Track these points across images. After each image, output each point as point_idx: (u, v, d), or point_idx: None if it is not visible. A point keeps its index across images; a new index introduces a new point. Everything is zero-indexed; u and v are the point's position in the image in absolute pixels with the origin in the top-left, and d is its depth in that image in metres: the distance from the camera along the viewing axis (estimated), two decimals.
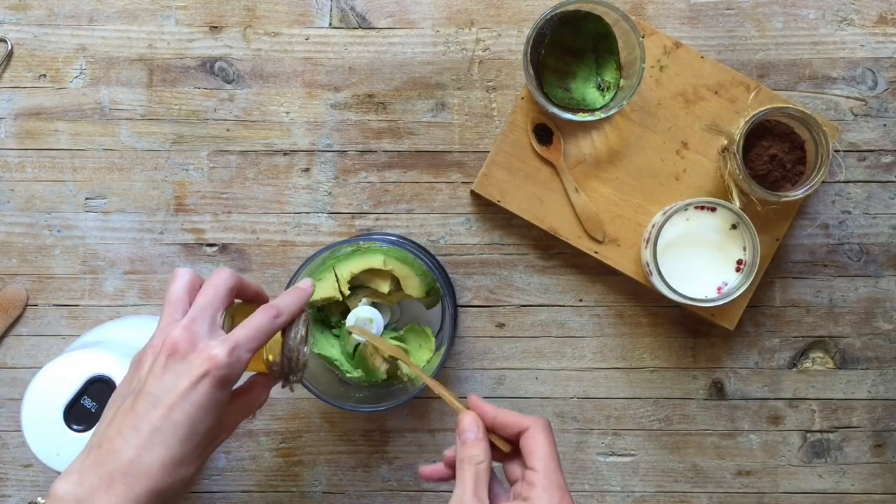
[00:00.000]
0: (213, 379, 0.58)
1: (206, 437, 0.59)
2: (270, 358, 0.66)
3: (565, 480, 0.61)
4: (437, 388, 0.67)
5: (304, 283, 0.68)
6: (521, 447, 0.62)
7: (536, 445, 0.61)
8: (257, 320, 0.62)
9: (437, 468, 0.65)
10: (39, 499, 0.59)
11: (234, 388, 0.64)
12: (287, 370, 0.66)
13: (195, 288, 0.63)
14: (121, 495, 0.55)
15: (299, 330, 0.66)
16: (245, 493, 0.88)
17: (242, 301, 0.68)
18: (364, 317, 0.80)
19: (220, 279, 0.63)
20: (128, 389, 0.60)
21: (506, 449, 0.63)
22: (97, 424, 0.60)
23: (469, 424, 0.62)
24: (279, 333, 0.66)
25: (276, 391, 0.88)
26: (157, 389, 0.58)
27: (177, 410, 0.58)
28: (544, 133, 0.85)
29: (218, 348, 0.59)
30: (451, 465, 0.64)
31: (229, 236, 0.88)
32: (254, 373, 0.68)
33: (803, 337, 0.88)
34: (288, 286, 0.79)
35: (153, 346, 0.60)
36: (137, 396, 0.58)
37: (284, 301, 0.65)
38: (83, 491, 0.56)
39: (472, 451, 0.61)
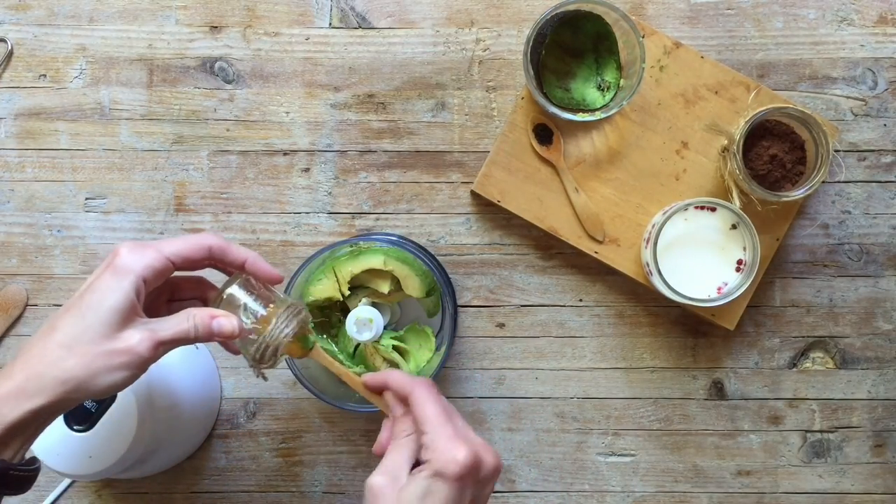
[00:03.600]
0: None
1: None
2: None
3: (460, 423, 0.63)
4: (343, 374, 0.69)
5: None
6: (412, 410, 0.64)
7: (420, 410, 0.63)
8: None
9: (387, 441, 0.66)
10: None
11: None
12: (258, 357, 0.64)
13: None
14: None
15: (287, 326, 0.64)
16: (245, 493, 0.88)
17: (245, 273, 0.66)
18: (364, 317, 0.80)
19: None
20: None
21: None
22: None
23: (392, 403, 0.66)
24: (239, 299, 0.64)
25: (278, 390, 0.88)
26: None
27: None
28: (544, 133, 0.85)
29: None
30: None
31: (229, 236, 0.88)
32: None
33: (803, 337, 0.88)
34: (288, 286, 0.79)
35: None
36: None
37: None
38: None
39: (400, 426, 0.65)
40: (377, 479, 0.61)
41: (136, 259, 0.60)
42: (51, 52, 0.88)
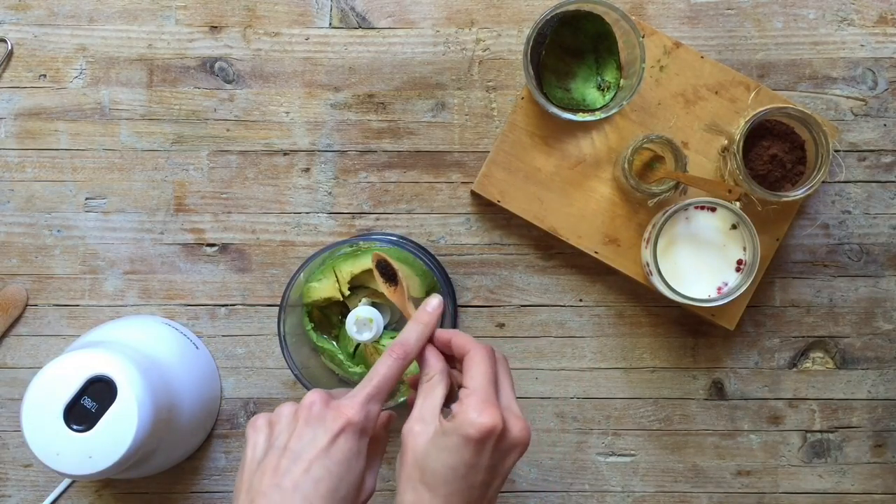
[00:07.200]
0: (350, 433, 0.62)
1: (347, 493, 0.62)
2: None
3: (507, 391, 0.66)
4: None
5: (430, 304, 0.69)
6: (462, 369, 0.66)
7: (471, 365, 0.64)
8: (383, 370, 0.65)
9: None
10: None
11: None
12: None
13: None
14: None
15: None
16: None
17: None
18: (364, 317, 0.80)
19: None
20: (267, 446, 0.63)
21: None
22: (238, 479, 0.63)
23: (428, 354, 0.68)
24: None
25: (278, 390, 0.88)
26: (297, 446, 0.61)
27: (316, 465, 0.60)
28: (387, 271, 0.75)
29: (350, 407, 0.63)
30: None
31: (229, 236, 0.88)
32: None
33: (803, 337, 0.88)
34: (288, 286, 0.79)
35: (292, 405, 0.64)
36: (280, 454, 0.62)
37: (411, 337, 0.67)
38: None
39: (425, 371, 0.67)
40: (409, 427, 0.63)
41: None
42: (51, 52, 0.88)
